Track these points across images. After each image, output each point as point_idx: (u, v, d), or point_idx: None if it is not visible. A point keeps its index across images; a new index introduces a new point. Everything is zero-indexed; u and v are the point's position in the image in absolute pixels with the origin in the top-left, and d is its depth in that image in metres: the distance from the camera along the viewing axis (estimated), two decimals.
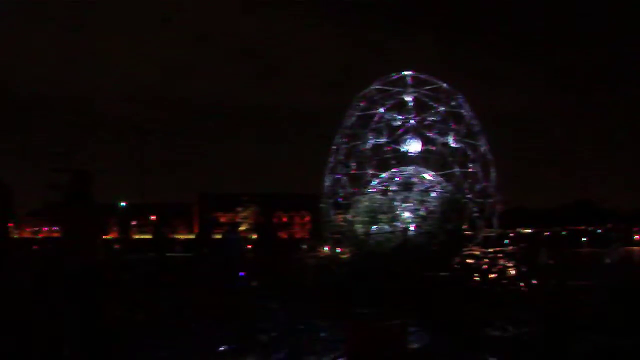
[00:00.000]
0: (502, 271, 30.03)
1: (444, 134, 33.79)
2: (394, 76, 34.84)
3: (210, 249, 32.01)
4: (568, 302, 16.75)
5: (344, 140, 34.80)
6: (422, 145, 34.00)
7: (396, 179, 33.31)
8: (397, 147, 34.16)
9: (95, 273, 11.34)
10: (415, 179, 33.01)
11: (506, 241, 46.17)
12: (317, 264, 32.88)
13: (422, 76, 34.69)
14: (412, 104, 34.40)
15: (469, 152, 33.77)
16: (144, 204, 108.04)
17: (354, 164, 34.68)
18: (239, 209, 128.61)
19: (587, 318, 15.44)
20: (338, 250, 34.59)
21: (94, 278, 11.22)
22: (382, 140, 34.33)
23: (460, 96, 34.30)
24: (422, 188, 32.66)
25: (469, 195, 33.70)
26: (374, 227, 32.35)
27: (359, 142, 34.59)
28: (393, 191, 32.77)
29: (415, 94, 34.45)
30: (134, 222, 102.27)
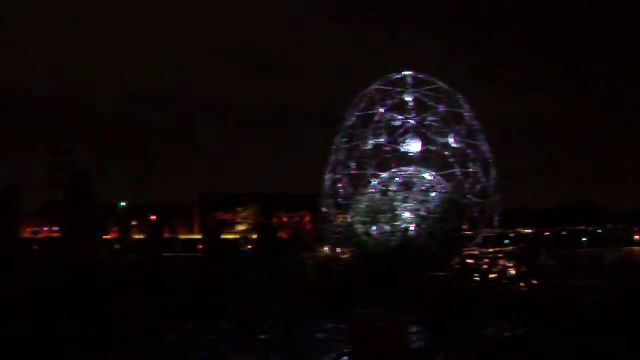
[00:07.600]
0: (502, 271, 30.05)
1: (444, 134, 33.80)
2: (394, 76, 34.87)
3: (210, 251, 31.92)
4: (568, 302, 16.74)
5: (344, 140, 34.82)
6: (422, 145, 34.01)
7: (396, 179, 33.33)
8: (397, 147, 34.17)
9: (95, 271, 11.35)
10: (415, 179, 33.03)
11: (506, 241, 46.20)
12: (317, 264, 32.88)
13: (422, 76, 34.74)
14: (412, 104, 34.42)
15: (469, 152, 33.79)
16: (144, 204, 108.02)
17: (354, 164, 34.69)
18: (239, 209, 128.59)
19: (587, 319, 15.45)
20: (338, 250, 34.60)
21: (94, 276, 11.23)
22: (382, 140, 34.33)
23: (460, 96, 34.34)
24: (422, 188, 32.68)
25: (469, 195, 33.71)
26: (374, 227, 32.36)
27: (359, 142, 34.60)
28: (393, 191, 32.79)
29: (416, 94, 34.48)
30: (134, 222, 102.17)
